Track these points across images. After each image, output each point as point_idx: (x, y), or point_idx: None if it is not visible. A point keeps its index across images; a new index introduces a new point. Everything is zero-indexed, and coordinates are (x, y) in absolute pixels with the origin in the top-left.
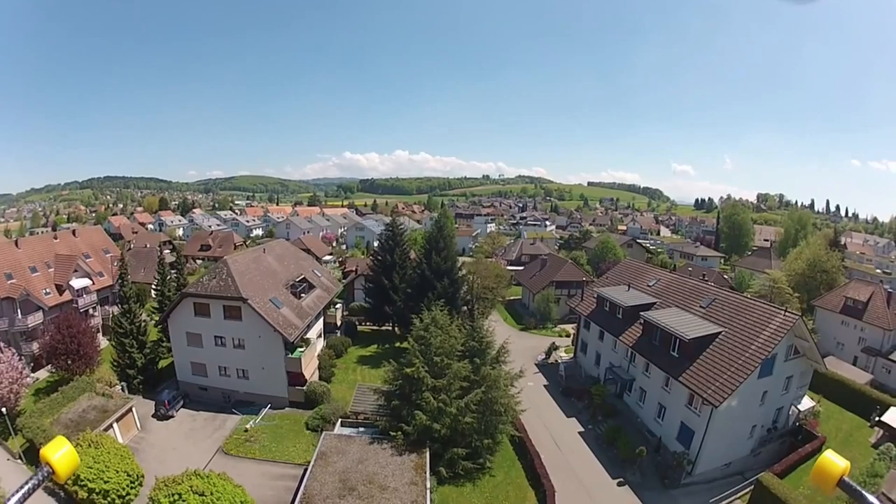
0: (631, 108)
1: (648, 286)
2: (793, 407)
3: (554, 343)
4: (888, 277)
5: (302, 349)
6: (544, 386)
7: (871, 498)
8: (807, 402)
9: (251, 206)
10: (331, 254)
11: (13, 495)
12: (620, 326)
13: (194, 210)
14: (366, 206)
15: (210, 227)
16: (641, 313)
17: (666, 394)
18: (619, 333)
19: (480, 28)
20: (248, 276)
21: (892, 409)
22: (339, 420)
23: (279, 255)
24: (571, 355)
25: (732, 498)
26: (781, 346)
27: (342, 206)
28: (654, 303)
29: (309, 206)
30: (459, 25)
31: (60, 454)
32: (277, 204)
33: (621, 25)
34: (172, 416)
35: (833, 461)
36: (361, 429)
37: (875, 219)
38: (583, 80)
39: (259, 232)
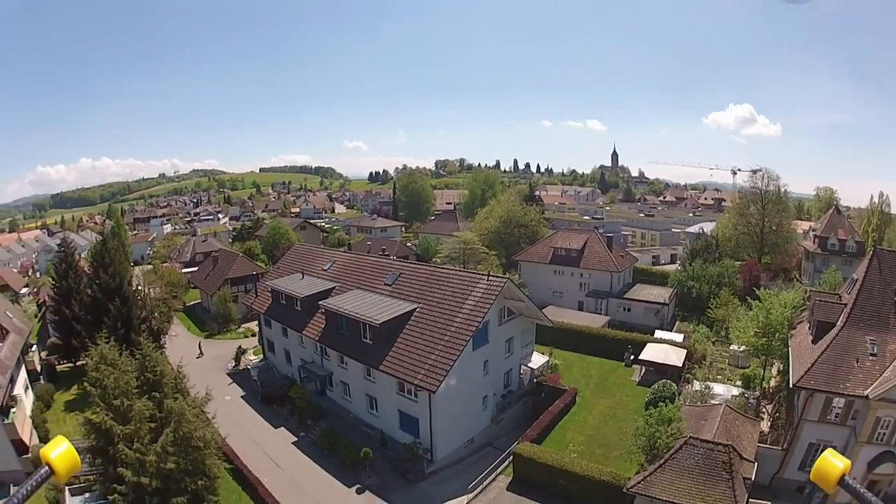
0: (297, 88)
1: (324, 270)
2: (523, 366)
3: (241, 346)
4: (601, 223)
5: (14, 410)
6: (242, 397)
7: (872, 498)
8: (539, 359)
9: None
10: (27, 285)
11: (12, 496)
12: (302, 319)
13: None
14: (56, 223)
15: None
16: (320, 302)
17: (371, 384)
18: (301, 327)
19: (135, 18)
20: None
21: (648, 345)
22: (67, 489)
23: None
24: (262, 357)
25: (495, 474)
26: (492, 312)
27: (36, 227)
28: (333, 288)
29: (9, 232)
30: (114, 18)
31: (60, 453)
32: None
33: (276, 10)
34: None
35: (832, 461)
36: (87, 495)
37: (573, 171)
38: (243, 62)
39: None
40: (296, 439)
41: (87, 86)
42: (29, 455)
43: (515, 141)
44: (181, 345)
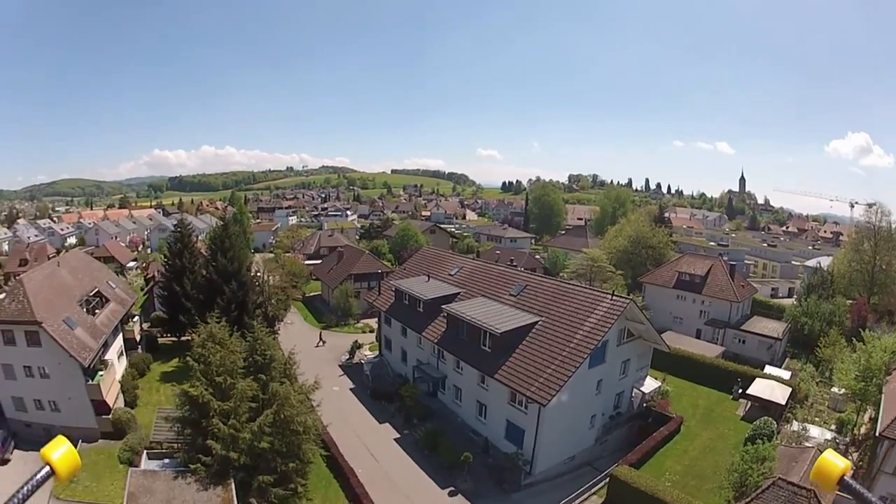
0: (434, 96)
1: (451, 275)
2: (635, 389)
3: (357, 341)
4: (725, 249)
5: (101, 373)
6: (351, 390)
7: (872, 498)
8: (651, 383)
9: (69, 212)
10: (135, 259)
11: (13, 497)
12: (423, 321)
13: (18, 220)
14: (173, 204)
15: (29, 238)
16: (443, 306)
17: (484, 391)
18: (421, 329)
19: (278, 16)
20: (42, 296)
21: (757, 380)
22: (145, 452)
23: (73, 268)
24: (377, 353)
25: (587, 494)
26: (612, 332)
27: (151, 206)
28: (458, 293)
29: (119, 208)
30: (255, 14)
31: (61, 453)
32: (92, 208)
33: (416, 18)
34: (9, 460)
35: (832, 461)
36: (167, 460)
37: (703, 194)
38: (383, 68)
39: (73, 240)
40: (398, 436)
41: (218, 81)
42: (109, 416)
43: (647, 160)
44: (296, 333)
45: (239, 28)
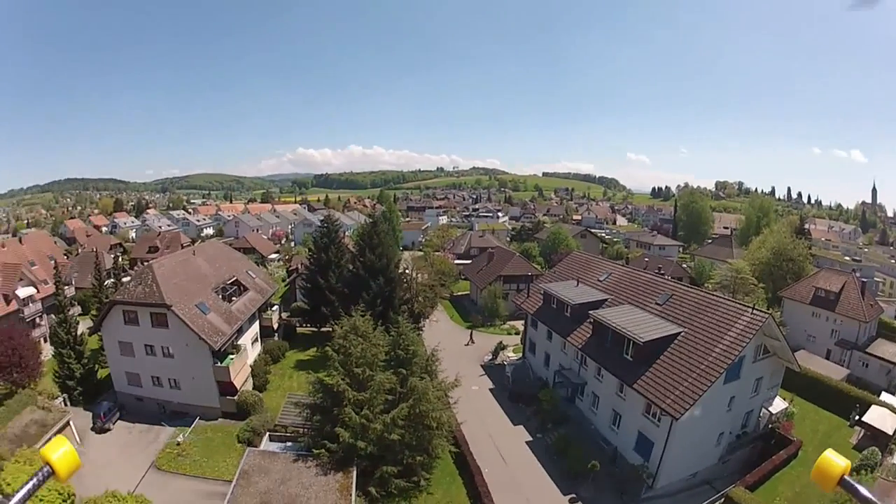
0: (583, 98)
1: (599, 281)
2: (763, 409)
3: (501, 342)
4: (858, 265)
5: (232, 357)
6: (490, 390)
7: (873, 497)
8: (779, 404)
9: (205, 204)
10: (277, 251)
11: (15, 496)
12: (569, 325)
13: (148, 210)
14: (318, 201)
15: (160, 227)
16: (590, 312)
17: (621, 400)
18: (567, 333)
19: (429, 22)
20: (174, 281)
21: (873, 407)
22: (268, 433)
23: (210, 257)
24: (520, 356)
25: None
26: (749, 347)
27: (295, 201)
28: (606, 299)
29: (262, 202)
30: (407, 20)
31: (61, 454)
32: (231, 202)
33: (564, 19)
34: (109, 429)
35: (833, 460)
36: (289, 443)
37: (839, 205)
38: (533, 71)
39: (209, 231)
40: (531, 439)
41: (366, 83)
42: (235, 398)
43: (787, 166)
44: (442, 331)
45: (387, 32)
